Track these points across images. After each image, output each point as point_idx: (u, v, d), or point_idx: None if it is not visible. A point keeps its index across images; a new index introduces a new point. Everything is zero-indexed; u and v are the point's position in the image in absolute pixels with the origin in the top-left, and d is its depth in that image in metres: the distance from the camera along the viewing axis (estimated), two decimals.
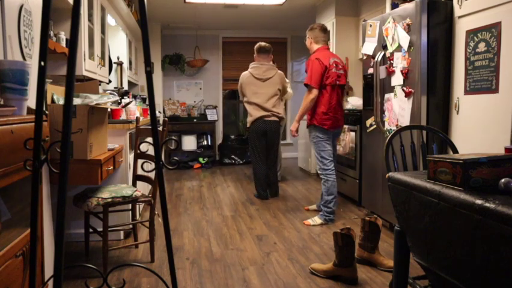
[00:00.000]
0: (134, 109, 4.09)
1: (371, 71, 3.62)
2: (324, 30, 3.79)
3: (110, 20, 4.46)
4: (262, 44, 4.59)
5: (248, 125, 4.59)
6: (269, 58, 4.59)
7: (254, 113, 4.49)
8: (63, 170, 1.12)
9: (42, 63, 1.15)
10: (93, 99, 2.47)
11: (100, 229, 2.67)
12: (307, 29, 3.86)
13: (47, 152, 1.21)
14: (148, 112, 3.58)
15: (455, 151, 2.26)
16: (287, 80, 4.89)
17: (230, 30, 7.62)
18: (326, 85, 3.62)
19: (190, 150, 7.10)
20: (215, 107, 7.42)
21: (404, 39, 3.12)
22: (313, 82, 3.58)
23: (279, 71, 4.62)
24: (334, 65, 3.65)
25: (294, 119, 3.94)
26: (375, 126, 3.59)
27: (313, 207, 4.13)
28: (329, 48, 3.83)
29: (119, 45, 5.21)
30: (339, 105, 3.73)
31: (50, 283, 1.53)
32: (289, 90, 5.00)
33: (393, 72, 3.30)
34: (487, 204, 1.20)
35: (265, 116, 4.48)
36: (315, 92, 3.59)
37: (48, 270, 2.04)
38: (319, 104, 3.64)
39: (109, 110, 3.14)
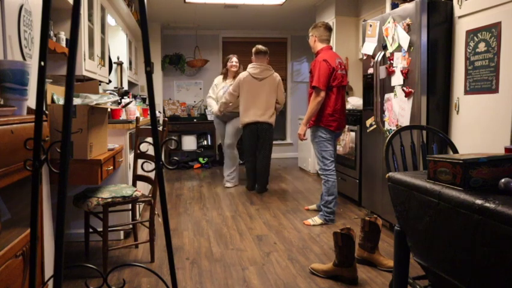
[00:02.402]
0: (134, 109, 4.09)
1: (371, 71, 3.62)
2: (329, 28, 3.77)
3: (110, 20, 4.46)
4: (260, 46, 4.91)
5: (241, 125, 4.95)
6: (266, 60, 4.90)
7: (248, 117, 4.82)
8: (63, 170, 1.12)
9: (42, 63, 1.15)
10: (93, 99, 2.47)
11: (100, 229, 2.67)
12: (310, 27, 3.81)
13: (47, 152, 1.21)
14: (148, 112, 3.58)
15: (455, 151, 2.26)
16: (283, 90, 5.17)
17: (230, 30, 7.61)
18: (333, 87, 3.59)
19: (190, 150, 7.10)
20: None
21: (404, 39, 3.12)
22: (321, 84, 3.53)
23: (276, 73, 4.95)
24: (339, 66, 3.64)
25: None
26: (375, 126, 3.59)
27: (313, 207, 4.12)
28: (332, 48, 3.81)
29: (119, 45, 5.20)
30: (343, 107, 3.72)
31: (50, 283, 1.53)
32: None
33: (393, 72, 3.30)
34: (487, 204, 1.20)
35: (258, 121, 4.81)
36: (322, 94, 3.56)
37: (48, 270, 2.04)
38: (325, 106, 3.61)
39: (109, 110, 3.14)
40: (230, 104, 4.98)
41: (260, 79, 4.79)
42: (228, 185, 5.27)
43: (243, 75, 4.85)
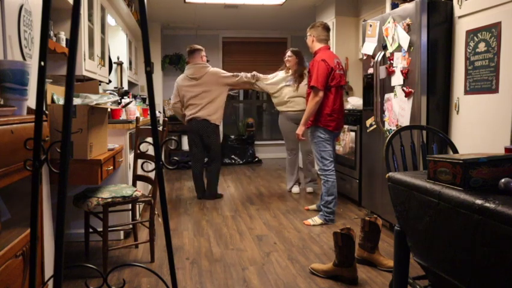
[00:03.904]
0: (134, 109, 4.09)
1: (371, 71, 3.62)
2: (327, 28, 3.77)
3: (110, 20, 4.46)
4: (193, 45, 4.66)
5: (186, 123, 4.64)
6: (199, 57, 4.61)
7: (188, 113, 4.57)
8: (63, 170, 1.12)
9: (42, 63, 1.15)
10: (93, 99, 2.47)
11: (100, 229, 2.67)
12: (308, 27, 3.82)
13: (47, 152, 1.21)
14: (148, 112, 3.58)
15: (455, 151, 2.26)
16: (227, 74, 4.71)
17: (230, 30, 7.62)
18: (331, 87, 3.59)
19: None
20: None
21: (404, 39, 3.12)
22: (320, 84, 3.53)
23: (213, 68, 4.63)
24: (337, 66, 3.64)
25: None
26: (375, 126, 3.59)
27: (313, 207, 4.12)
28: (330, 48, 3.81)
29: (119, 45, 5.20)
30: (342, 107, 3.73)
31: (50, 283, 1.53)
32: (264, 84, 4.75)
33: (393, 72, 3.30)
34: (487, 204, 1.20)
35: (204, 119, 4.53)
36: (321, 94, 3.55)
37: (48, 270, 2.04)
38: (324, 105, 3.60)
39: (109, 110, 3.14)
40: (182, 111, 4.66)
41: (198, 78, 4.54)
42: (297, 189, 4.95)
43: (180, 78, 4.64)
